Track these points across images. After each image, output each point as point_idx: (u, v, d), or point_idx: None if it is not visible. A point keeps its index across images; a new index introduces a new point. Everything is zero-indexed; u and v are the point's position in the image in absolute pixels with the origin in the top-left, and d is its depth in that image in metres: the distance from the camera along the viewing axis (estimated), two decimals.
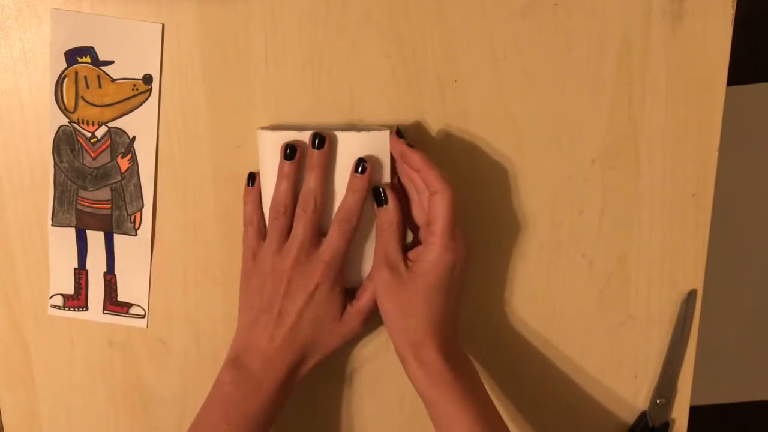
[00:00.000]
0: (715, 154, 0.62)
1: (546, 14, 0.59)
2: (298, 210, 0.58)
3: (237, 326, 0.62)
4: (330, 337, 0.60)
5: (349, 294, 0.61)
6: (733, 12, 0.59)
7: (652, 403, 0.68)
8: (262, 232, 0.61)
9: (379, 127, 0.59)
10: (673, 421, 0.69)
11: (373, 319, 0.61)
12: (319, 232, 0.59)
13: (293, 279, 0.58)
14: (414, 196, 0.60)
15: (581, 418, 0.69)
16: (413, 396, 0.66)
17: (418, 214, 0.61)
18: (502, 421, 0.58)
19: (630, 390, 0.68)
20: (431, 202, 0.57)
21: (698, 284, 0.66)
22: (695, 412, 0.71)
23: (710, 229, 0.64)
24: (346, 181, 0.59)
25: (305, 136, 0.58)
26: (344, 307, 0.60)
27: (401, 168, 0.60)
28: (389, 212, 0.58)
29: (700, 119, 0.61)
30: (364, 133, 0.58)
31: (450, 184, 0.57)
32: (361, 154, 0.58)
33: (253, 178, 0.61)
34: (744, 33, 0.65)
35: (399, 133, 0.59)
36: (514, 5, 0.59)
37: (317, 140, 0.58)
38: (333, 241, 0.58)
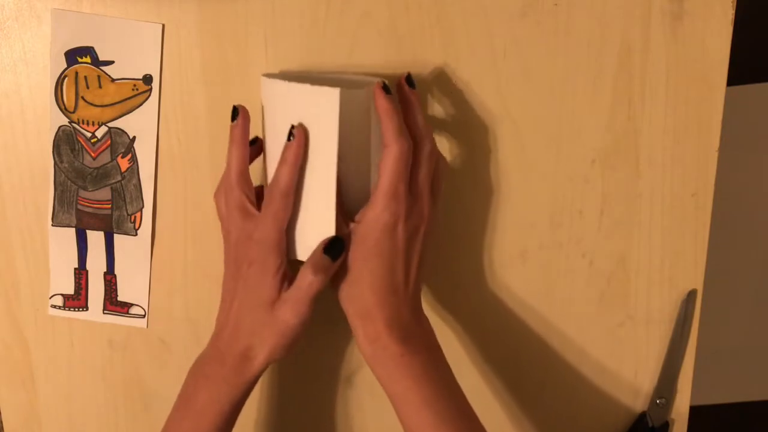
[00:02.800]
0: (715, 154, 0.62)
1: (546, 14, 0.59)
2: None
3: None
4: (264, 329, 0.54)
5: None
6: (733, 12, 0.59)
7: (652, 403, 0.68)
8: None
9: (370, 80, 0.54)
10: (673, 421, 0.69)
11: None
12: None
13: (233, 260, 0.56)
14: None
15: (581, 418, 0.69)
16: None
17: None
18: (467, 403, 0.55)
19: (630, 390, 0.68)
20: (382, 156, 0.52)
21: (698, 284, 0.66)
22: (695, 412, 0.71)
23: (710, 229, 0.64)
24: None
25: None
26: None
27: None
28: None
29: (700, 119, 0.61)
30: (313, 88, 0.51)
31: (403, 138, 0.51)
32: (309, 113, 0.52)
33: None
34: (744, 33, 0.65)
35: (385, 87, 0.53)
36: (514, 5, 0.59)
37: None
38: (264, 218, 0.53)
